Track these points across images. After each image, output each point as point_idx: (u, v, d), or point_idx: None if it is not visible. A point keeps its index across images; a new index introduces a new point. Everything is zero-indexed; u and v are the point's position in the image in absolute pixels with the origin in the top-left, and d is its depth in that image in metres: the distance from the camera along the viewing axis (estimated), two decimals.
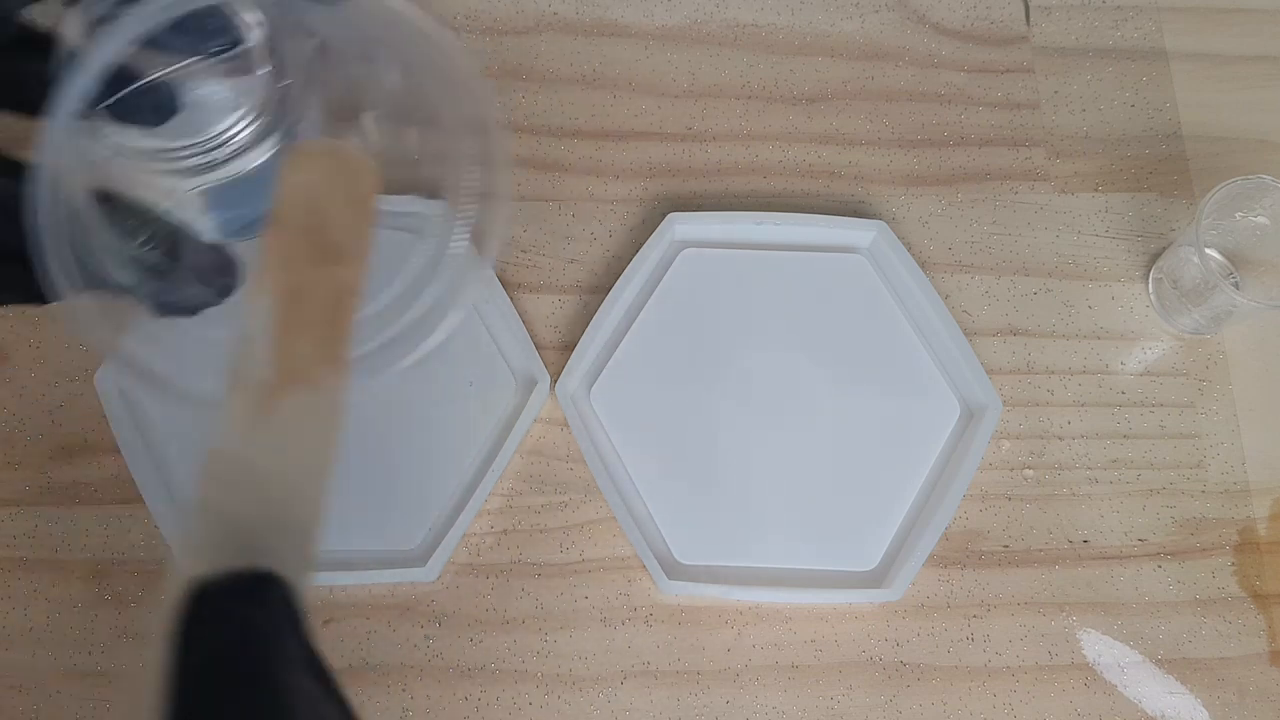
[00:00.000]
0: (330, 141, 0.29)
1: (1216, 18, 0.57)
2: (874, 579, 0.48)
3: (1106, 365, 0.51)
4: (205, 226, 0.32)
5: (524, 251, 0.52)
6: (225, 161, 0.30)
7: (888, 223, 0.51)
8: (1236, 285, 0.52)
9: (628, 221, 0.53)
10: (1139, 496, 0.50)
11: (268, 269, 0.28)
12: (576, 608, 0.47)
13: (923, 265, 0.51)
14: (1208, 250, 0.50)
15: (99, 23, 0.26)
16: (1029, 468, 0.50)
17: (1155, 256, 0.53)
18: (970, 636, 0.47)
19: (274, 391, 0.27)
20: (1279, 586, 0.48)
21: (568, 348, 0.50)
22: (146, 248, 0.28)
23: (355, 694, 0.46)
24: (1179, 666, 0.47)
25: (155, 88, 0.28)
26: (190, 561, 0.23)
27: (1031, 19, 0.57)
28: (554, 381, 0.49)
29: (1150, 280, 0.52)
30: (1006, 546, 0.49)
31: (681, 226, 0.51)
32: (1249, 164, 0.54)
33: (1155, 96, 0.55)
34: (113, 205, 0.27)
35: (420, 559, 0.47)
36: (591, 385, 0.49)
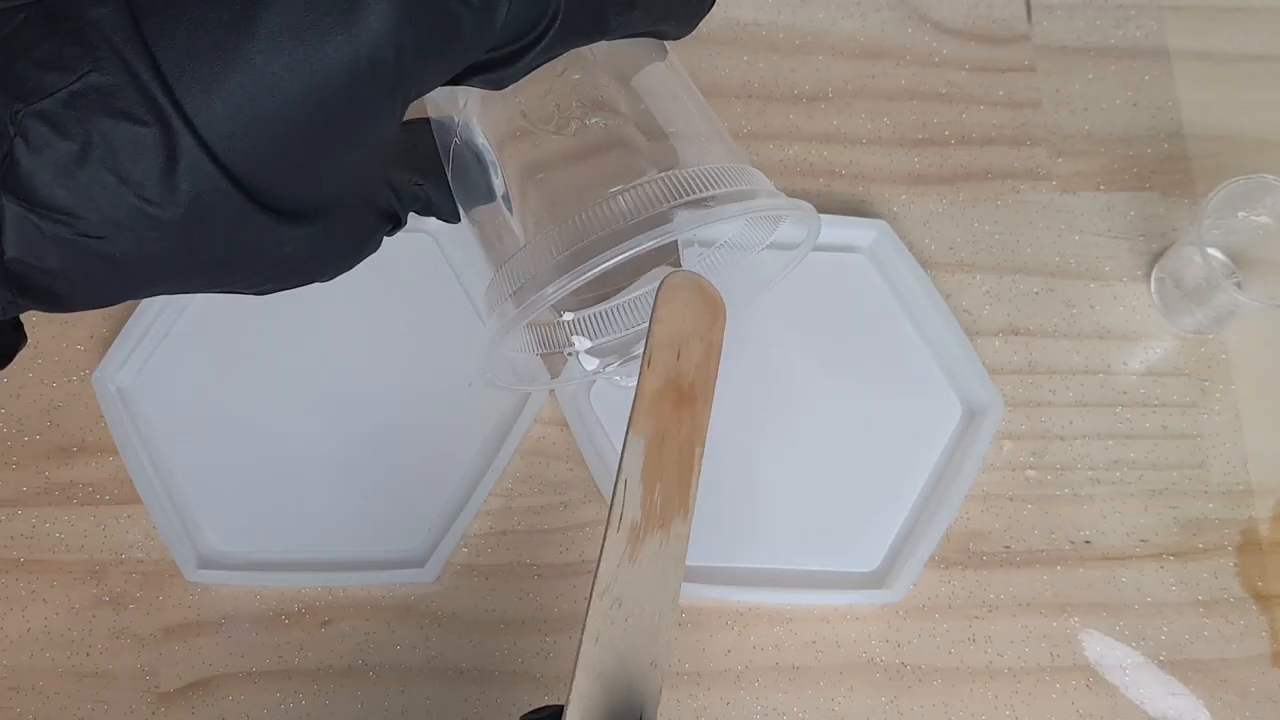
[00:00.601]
0: (696, 276, 0.30)
1: (1219, 17, 0.56)
2: (875, 580, 0.48)
3: (1108, 365, 0.51)
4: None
5: None
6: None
7: (889, 222, 0.51)
8: (1239, 285, 0.51)
9: None
10: (1141, 497, 0.49)
11: (643, 411, 0.29)
12: (576, 609, 0.47)
13: (924, 265, 0.51)
14: (1210, 250, 0.50)
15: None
16: (1030, 468, 0.50)
17: (1157, 256, 0.53)
18: (972, 638, 0.47)
19: (640, 534, 0.29)
20: None
21: None
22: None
23: (354, 695, 0.46)
24: (1181, 668, 0.47)
25: None
26: (586, 685, 0.27)
27: (1033, 18, 0.56)
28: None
29: (1152, 280, 0.52)
30: (1008, 547, 0.49)
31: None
32: (1252, 163, 0.53)
33: (1157, 95, 0.55)
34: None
35: (419, 560, 0.47)
36: (591, 385, 0.49)
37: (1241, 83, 0.55)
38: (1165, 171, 0.54)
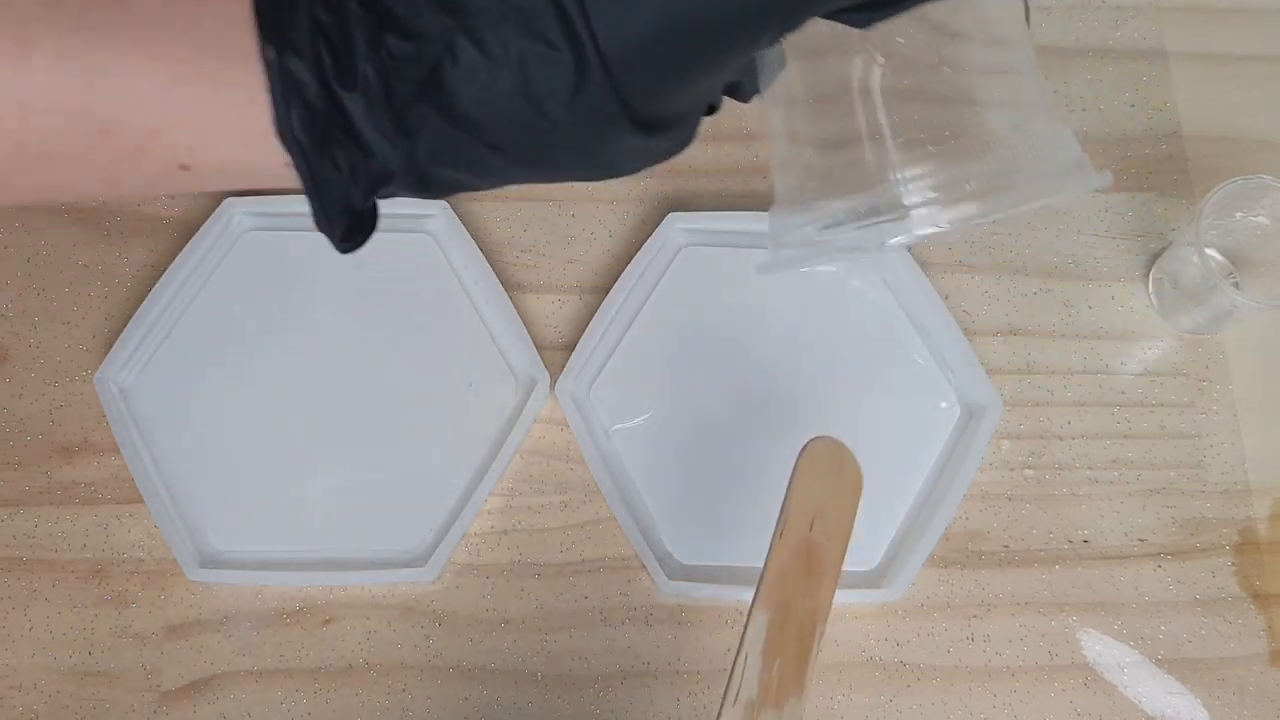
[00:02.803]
0: (838, 444, 0.29)
1: (1217, 18, 0.56)
2: (874, 579, 0.48)
3: (1106, 365, 0.51)
4: None
5: (524, 251, 0.52)
6: None
7: None
8: (1237, 285, 0.52)
9: (628, 221, 0.53)
10: (1139, 496, 0.49)
11: (772, 583, 0.28)
12: (576, 608, 0.47)
13: (923, 265, 0.51)
14: (1208, 250, 0.50)
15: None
16: (1029, 468, 0.50)
17: (1155, 256, 0.53)
18: (970, 636, 0.47)
19: (754, 713, 0.28)
20: (1279, 586, 0.48)
21: (568, 348, 0.50)
22: None
23: (355, 694, 0.46)
24: (1179, 666, 0.47)
25: None
26: None
27: (1031, 18, 0.56)
28: (554, 381, 0.49)
29: (1150, 280, 0.52)
30: (1007, 546, 0.49)
31: (681, 226, 0.51)
32: (1249, 164, 0.54)
33: (1155, 96, 0.55)
34: None
35: (420, 559, 0.47)
36: (591, 385, 0.49)
37: (1239, 83, 0.55)
38: (1163, 172, 0.54)
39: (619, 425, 0.49)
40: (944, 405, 0.50)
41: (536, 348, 0.49)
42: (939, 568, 0.48)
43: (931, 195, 0.29)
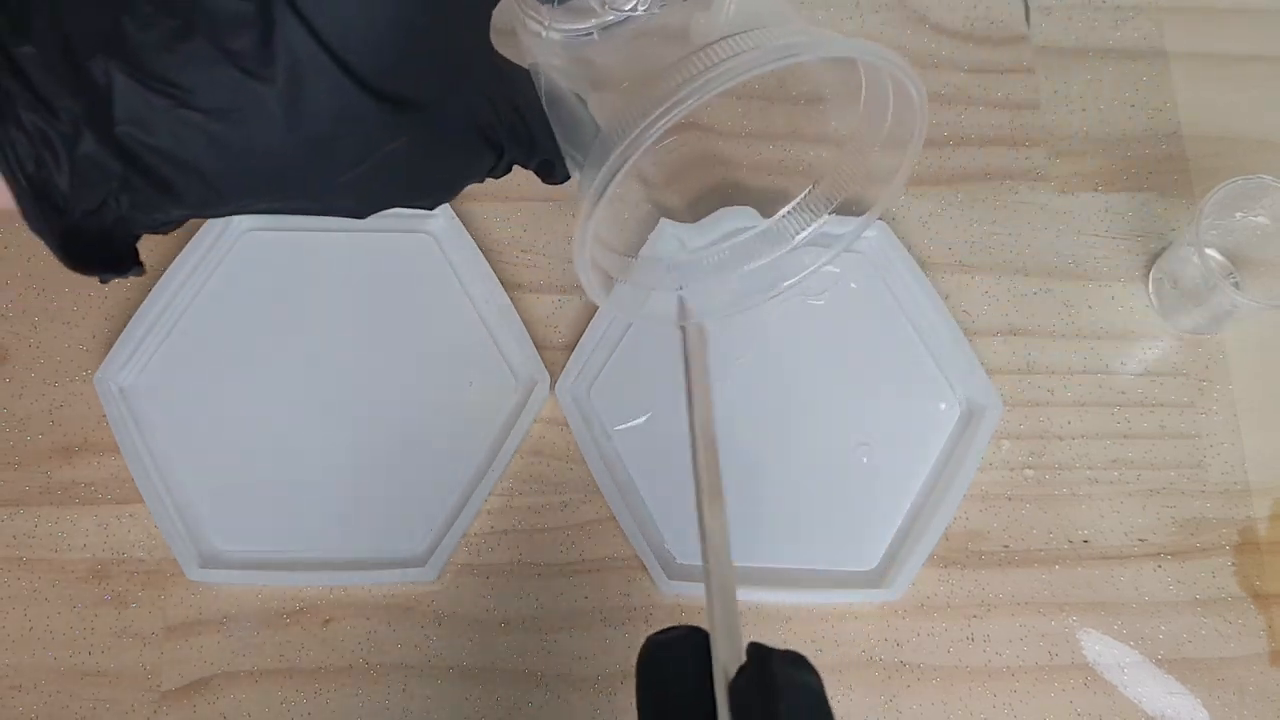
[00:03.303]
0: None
1: (1217, 18, 0.57)
2: (874, 579, 0.48)
3: (1106, 365, 0.51)
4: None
5: (524, 251, 0.52)
6: None
7: (887, 222, 0.51)
8: (1237, 285, 0.52)
9: None
10: (1139, 496, 0.49)
11: None
12: (576, 608, 0.47)
13: (923, 265, 0.51)
14: (1208, 250, 0.50)
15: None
16: (1029, 468, 0.50)
17: (1155, 256, 0.53)
18: (970, 636, 0.47)
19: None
20: (1279, 586, 0.48)
21: (568, 348, 0.50)
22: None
23: (355, 694, 0.46)
24: (1179, 666, 0.47)
25: None
26: None
27: (1031, 19, 0.57)
28: (554, 381, 0.49)
29: (1150, 280, 0.52)
30: (1006, 546, 0.49)
31: (673, 229, 0.51)
32: (1249, 164, 0.54)
33: (1155, 96, 0.55)
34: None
35: (420, 559, 0.47)
36: (591, 385, 0.49)
37: (1239, 83, 0.56)
38: (1163, 172, 0.54)
39: (619, 425, 0.49)
40: (944, 405, 0.50)
41: (536, 348, 0.49)
42: (939, 568, 0.48)
43: None
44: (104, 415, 0.48)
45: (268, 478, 0.48)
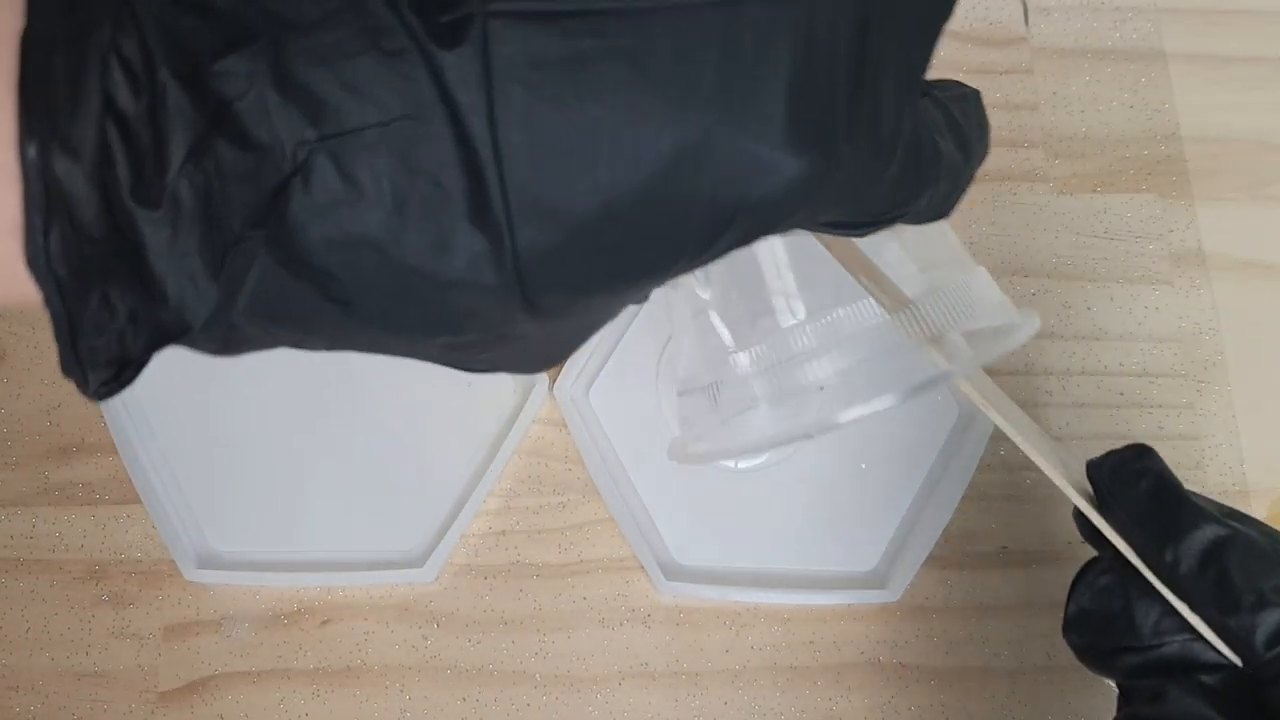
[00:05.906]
0: None
1: (1216, 19, 0.57)
2: (873, 580, 0.48)
3: (1105, 366, 0.51)
4: None
5: None
6: None
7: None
8: None
9: None
10: None
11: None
12: (575, 608, 0.47)
13: None
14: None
15: None
16: (1028, 468, 0.50)
17: (1154, 257, 0.53)
18: (970, 637, 0.47)
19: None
20: None
21: None
22: None
23: (353, 695, 0.46)
24: None
25: None
26: None
27: (1030, 20, 0.57)
28: (553, 381, 0.49)
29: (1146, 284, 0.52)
30: (1005, 547, 0.49)
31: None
32: (1248, 165, 0.54)
33: (1154, 97, 0.55)
34: None
35: (418, 560, 0.47)
36: (591, 385, 0.49)
37: (1238, 85, 0.56)
38: (1162, 173, 0.54)
39: (618, 425, 0.49)
40: (942, 405, 0.50)
41: None
42: (938, 568, 0.48)
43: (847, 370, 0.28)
44: (102, 415, 0.48)
45: (266, 478, 0.48)
